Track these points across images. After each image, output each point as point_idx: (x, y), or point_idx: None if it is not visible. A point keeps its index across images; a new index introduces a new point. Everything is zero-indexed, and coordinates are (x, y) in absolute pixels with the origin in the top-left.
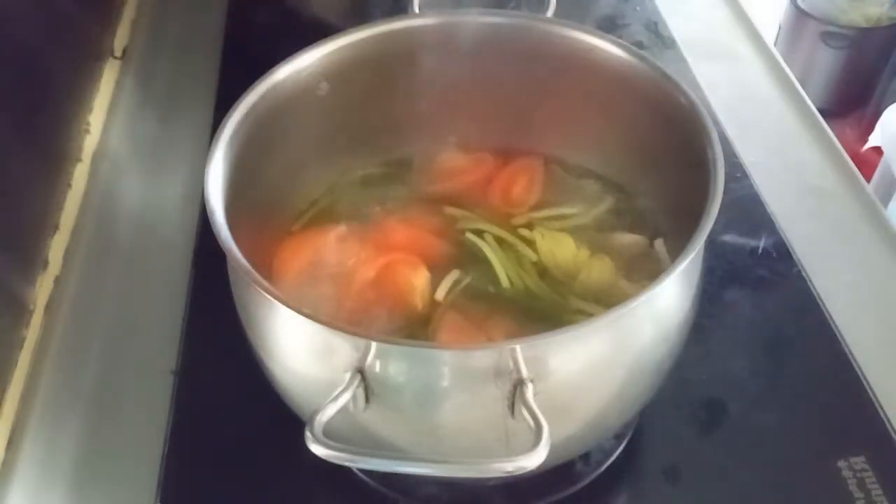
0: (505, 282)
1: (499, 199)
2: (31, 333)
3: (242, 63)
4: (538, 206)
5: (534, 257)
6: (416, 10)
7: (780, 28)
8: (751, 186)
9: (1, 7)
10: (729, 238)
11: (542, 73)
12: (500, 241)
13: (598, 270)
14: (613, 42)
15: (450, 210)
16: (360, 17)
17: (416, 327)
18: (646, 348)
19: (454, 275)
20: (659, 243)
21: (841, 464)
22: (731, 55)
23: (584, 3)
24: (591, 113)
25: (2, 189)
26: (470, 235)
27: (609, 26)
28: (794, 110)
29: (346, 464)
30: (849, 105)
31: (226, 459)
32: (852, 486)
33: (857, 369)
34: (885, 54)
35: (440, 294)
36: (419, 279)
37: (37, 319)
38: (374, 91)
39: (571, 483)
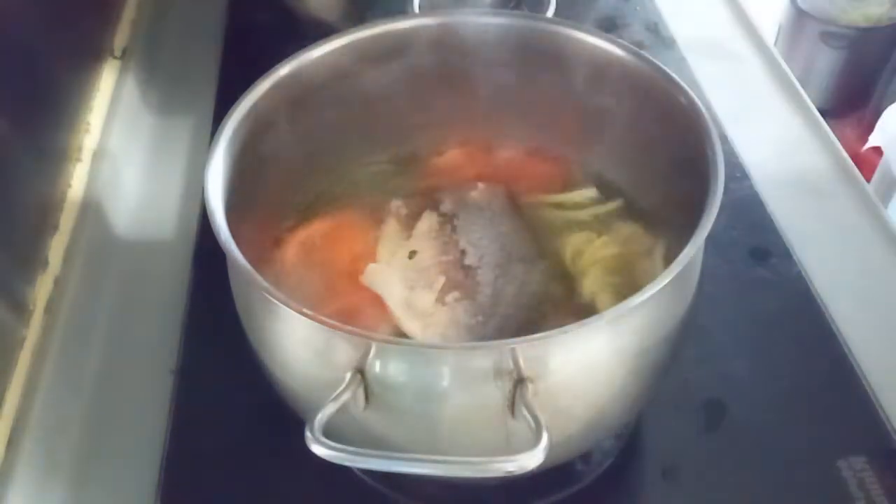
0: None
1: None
2: (31, 333)
3: (242, 63)
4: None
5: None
6: (416, 10)
7: (780, 28)
8: (751, 186)
9: (1, 7)
10: (729, 238)
11: (542, 72)
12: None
13: (597, 272)
14: (613, 42)
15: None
16: (359, 17)
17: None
18: (646, 348)
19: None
20: (658, 242)
21: (841, 464)
22: (731, 55)
23: (584, 3)
24: (590, 112)
25: (2, 189)
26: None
27: (609, 26)
28: (794, 110)
29: (346, 464)
30: (849, 105)
31: (226, 459)
32: (852, 486)
33: (857, 369)
34: (885, 54)
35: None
36: None
37: (37, 319)
38: (374, 91)
39: (571, 483)
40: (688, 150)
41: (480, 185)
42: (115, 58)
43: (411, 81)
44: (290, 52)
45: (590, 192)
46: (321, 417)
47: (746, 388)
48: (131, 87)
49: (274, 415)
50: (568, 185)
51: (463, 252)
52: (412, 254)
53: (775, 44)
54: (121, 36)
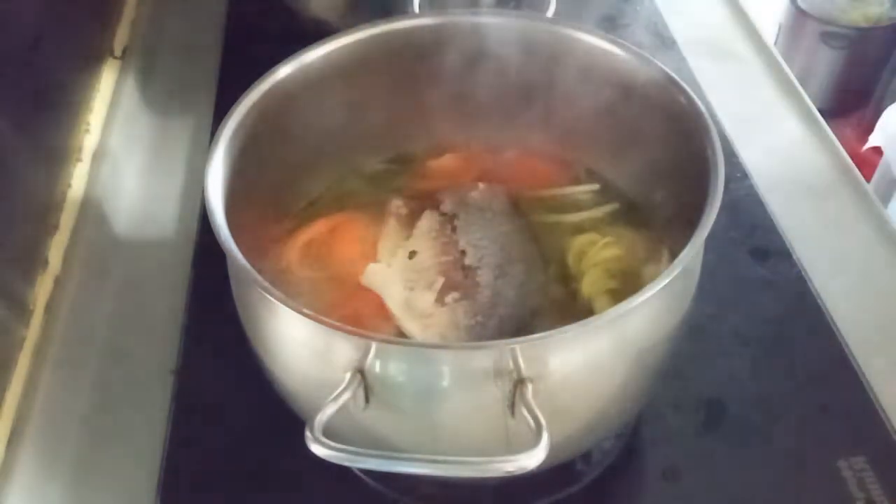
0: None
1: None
2: (31, 333)
3: (242, 63)
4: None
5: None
6: (416, 10)
7: (780, 28)
8: (751, 186)
9: (1, 7)
10: (729, 238)
11: (542, 72)
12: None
13: (597, 274)
14: (613, 42)
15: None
16: (360, 17)
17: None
18: (646, 348)
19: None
20: (658, 243)
21: (841, 464)
22: (731, 55)
23: (584, 3)
24: (590, 113)
25: (2, 189)
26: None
27: (609, 26)
28: (794, 110)
29: (346, 464)
30: (849, 105)
31: (226, 459)
32: (852, 486)
33: (857, 369)
34: (885, 54)
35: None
36: None
37: (37, 319)
38: (373, 91)
39: (571, 483)
40: (688, 150)
41: (481, 185)
42: (115, 58)
43: (411, 81)
44: (290, 52)
45: (592, 187)
46: (321, 417)
47: (746, 388)
48: (131, 87)
49: (274, 415)
50: (568, 186)
51: (463, 252)
52: (412, 254)
53: (775, 44)
54: (121, 36)
